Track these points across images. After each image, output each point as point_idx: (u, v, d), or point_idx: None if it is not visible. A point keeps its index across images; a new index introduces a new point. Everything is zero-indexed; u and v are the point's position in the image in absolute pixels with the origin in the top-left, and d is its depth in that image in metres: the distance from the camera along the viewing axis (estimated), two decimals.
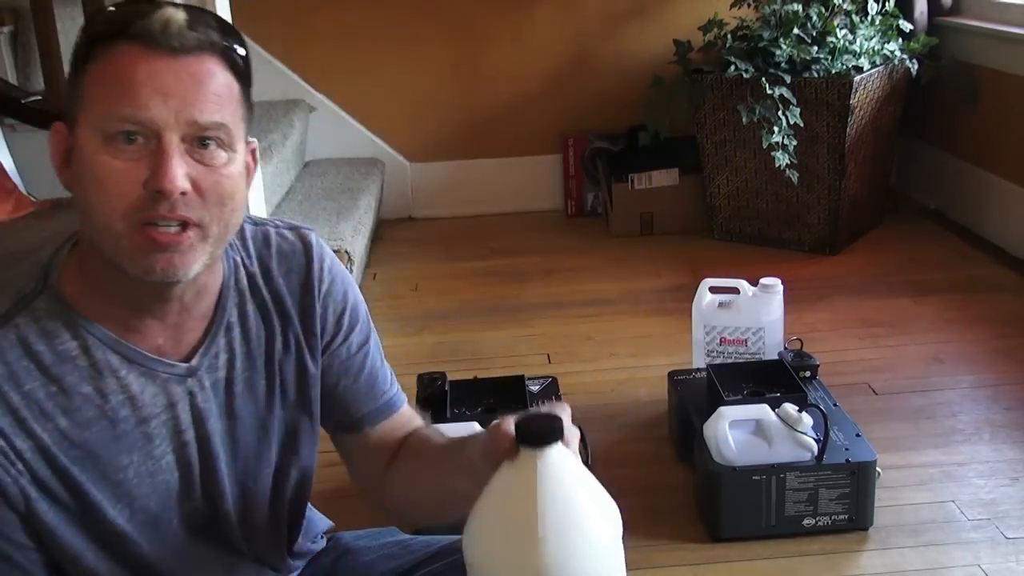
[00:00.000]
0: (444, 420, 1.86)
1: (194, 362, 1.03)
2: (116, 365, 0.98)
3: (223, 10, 2.51)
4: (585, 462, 2.00)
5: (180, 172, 0.90)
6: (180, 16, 0.91)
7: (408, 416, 1.22)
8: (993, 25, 3.13)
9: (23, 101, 2.43)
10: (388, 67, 3.63)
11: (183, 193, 0.91)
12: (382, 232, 3.58)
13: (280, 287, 1.10)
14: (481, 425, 1.79)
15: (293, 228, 1.14)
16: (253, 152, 1.02)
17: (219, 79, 0.93)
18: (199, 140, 0.92)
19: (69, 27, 2.85)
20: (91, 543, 0.98)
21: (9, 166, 2.51)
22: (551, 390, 2.08)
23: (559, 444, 0.88)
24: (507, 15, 3.62)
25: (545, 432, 0.87)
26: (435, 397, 1.94)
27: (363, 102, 3.67)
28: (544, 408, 0.94)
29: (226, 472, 1.07)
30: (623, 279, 3.07)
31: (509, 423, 0.90)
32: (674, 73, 3.27)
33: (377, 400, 1.18)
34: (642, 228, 3.45)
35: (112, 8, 0.94)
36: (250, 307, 1.08)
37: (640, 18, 3.63)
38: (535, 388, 2.08)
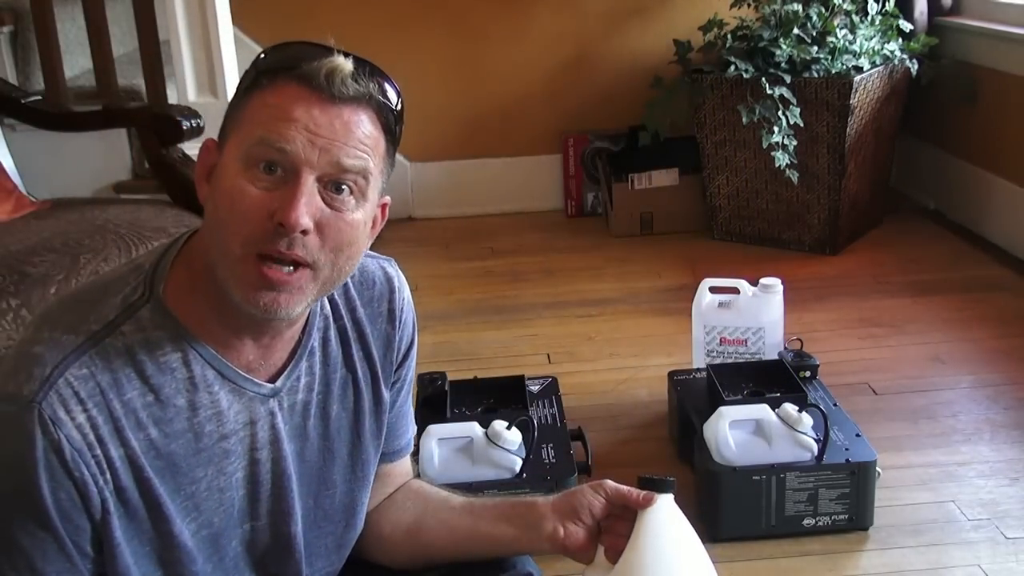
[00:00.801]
0: (444, 420, 1.86)
1: (278, 383, 1.05)
2: (211, 380, 1.00)
3: (223, 10, 2.52)
4: (585, 462, 2.01)
5: (306, 210, 0.93)
6: (347, 67, 0.95)
7: (408, 464, 1.27)
8: (993, 25, 3.13)
9: (23, 101, 2.44)
10: (388, 67, 3.59)
11: (304, 232, 0.93)
12: (382, 232, 3.54)
13: (361, 315, 1.13)
14: (481, 425, 1.80)
15: (373, 257, 1.18)
16: (384, 208, 1.07)
17: (368, 129, 0.96)
18: (335, 184, 0.95)
19: (69, 27, 2.85)
20: (144, 560, 0.99)
21: (9, 166, 2.51)
22: (551, 390, 2.09)
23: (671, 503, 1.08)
24: (507, 15, 3.62)
25: (668, 481, 1.08)
26: (435, 397, 1.94)
27: None
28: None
29: (297, 493, 1.09)
30: (623, 279, 3.08)
31: (610, 484, 1.11)
32: (674, 73, 3.28)
33: (400, 440, 1.22)
34: (642, 228, 3.45)
35: (287, 44, 0.98)
36: (332, 332, 1.10)
37: (640, 18, 3.63)
38: (535, 388, 2.08)
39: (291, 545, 1.10)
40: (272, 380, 1.05)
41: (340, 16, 3.56)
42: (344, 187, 0.95)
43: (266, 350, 1.04)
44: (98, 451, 0.93)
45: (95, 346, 0.94)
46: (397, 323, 1.15)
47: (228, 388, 1.01)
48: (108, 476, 0.94)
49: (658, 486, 1.06)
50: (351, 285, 1.13)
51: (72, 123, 2.42)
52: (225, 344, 1.00)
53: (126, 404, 0.95)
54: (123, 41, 2.96)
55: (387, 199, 1.06)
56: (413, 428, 1.26)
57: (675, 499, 1.07)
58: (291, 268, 0.95)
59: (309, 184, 0.93)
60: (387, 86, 1.00)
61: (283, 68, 0.95)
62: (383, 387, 1.14)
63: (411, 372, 1.20)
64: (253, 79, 0.97)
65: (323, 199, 0.95)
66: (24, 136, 2.68)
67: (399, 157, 3.88)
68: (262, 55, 0.99)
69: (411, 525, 1.20)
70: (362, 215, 0.98)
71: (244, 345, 1.02)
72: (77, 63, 2.92)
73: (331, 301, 1.11)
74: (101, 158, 2.93)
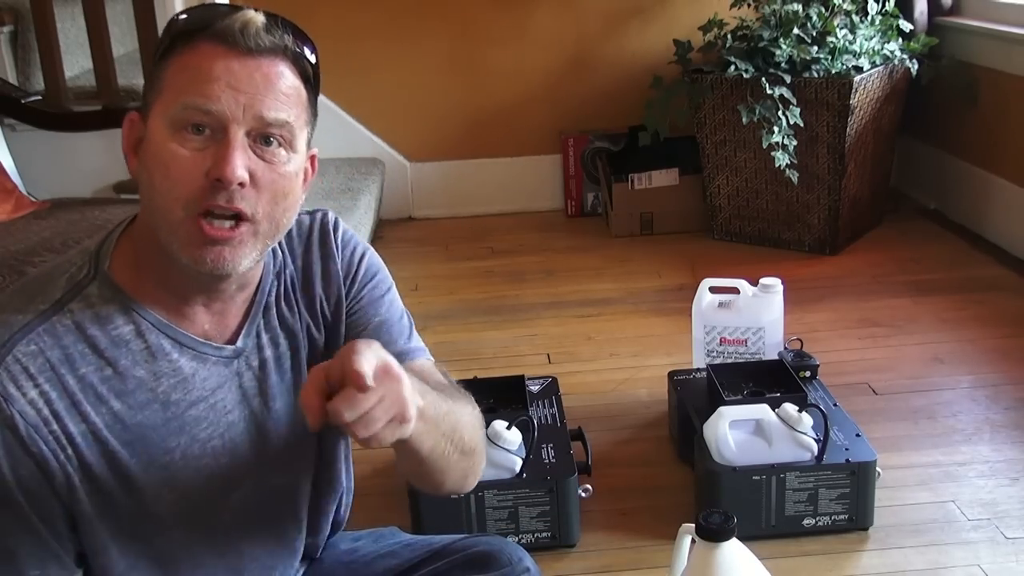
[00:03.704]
0: None
1: (239, 343, 1.07)
2: (168, 348, 1.01)
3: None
4: (586, 462, 2.01)
5: (240, 163, 0.94)
6: (259, 19, 0.96)
7: (428, 373, 1.21)
8: (993, 25, 3.13)
9: (23, 101, 2.44)
10: (388, 66, 3.63)
11: (240, 184, 0.95)
12: (382, 232, 3.57)
13: (307, 263, 1.14)
14: None
15: (308, 213, 1.19)
16: (313, 159, 1.07)
17: (288, 81, 0.98)
18: (263, 137, 0.97)
19: (69, 27, 2.85)
20: (119, 534, 0.99)
21: (9, 166, 2.51)
22: (551, 390, 2.09)
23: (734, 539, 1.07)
24: (507, 15, 3.62)
25: (727, 529, 1.07)
26: None
27: (363, 102, 3.67)
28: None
29: (279, 449, 1.10)
30: (623, 279, 3.07)
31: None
32: (674, 73, 3.27)
33: (392, 346, 1.19)
34: (642, 228, 3.45)
35: (198, 7, 0.99)
36: (284, 286, 1.12)
37: (640, 18, 3.63)
38: (535, 388, 2.08)
39: (283, 500, 1.11)
40: (231, 342, 1.06)
41: (340, 16, 3.56)
42: (272, 140, 0.97)
43: (219, 317, 1.05)
44: (55, 426, 0.93)
45: (43, 323, 0.95)
46: (337, 257, 1.16)
47: (189, 355, 1.02)
48: (70, 452, 0.94)
49: (715, 535, 1.07)
50: (292, 237, 1.14)
51: (72, 123, 2.43)
52: (177, 313, 1.01)
53: (82, 379, 0.95)
54: (123, 41, 2.96)
55: (315, 151, 1.07)
56: (413, 339, 1.22)
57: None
58: (232, 223, 0.96)
59: (239, 138, 0.95)
60: (301, 37, 1.01)
61: (197, 29, 0.96)
62: (338, 325, 1.15)
63: (378, 291, 1.19)
64: (168, 44, 0.97)
65: (254, 152, 0.96)
66: (24, 136, 2.68)
67: (399, 157, 3.91)
68: (175, 19, 0.99)
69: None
70: (293, 166, 1.00)
71: (196, 313, 1.03)
72: (77, 63, 2.92)
73: (273, 253, 1.12)
74: (101, 158, 2.93)
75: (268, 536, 1.12)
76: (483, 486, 1.73)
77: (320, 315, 1.14)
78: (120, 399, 0.97)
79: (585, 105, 3.69)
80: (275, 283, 1.11)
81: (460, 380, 2.01)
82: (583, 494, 1.78)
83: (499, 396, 2.01)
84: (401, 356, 1.19)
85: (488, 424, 1.79)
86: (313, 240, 1.15)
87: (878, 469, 1.78)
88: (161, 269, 0.99)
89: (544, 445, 1.85)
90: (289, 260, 1.13)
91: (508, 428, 1.78)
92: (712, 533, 1.06)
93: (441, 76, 3.67)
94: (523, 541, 1.74)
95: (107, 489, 0.97)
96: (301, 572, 1.23)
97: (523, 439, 1.80)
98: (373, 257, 1.21)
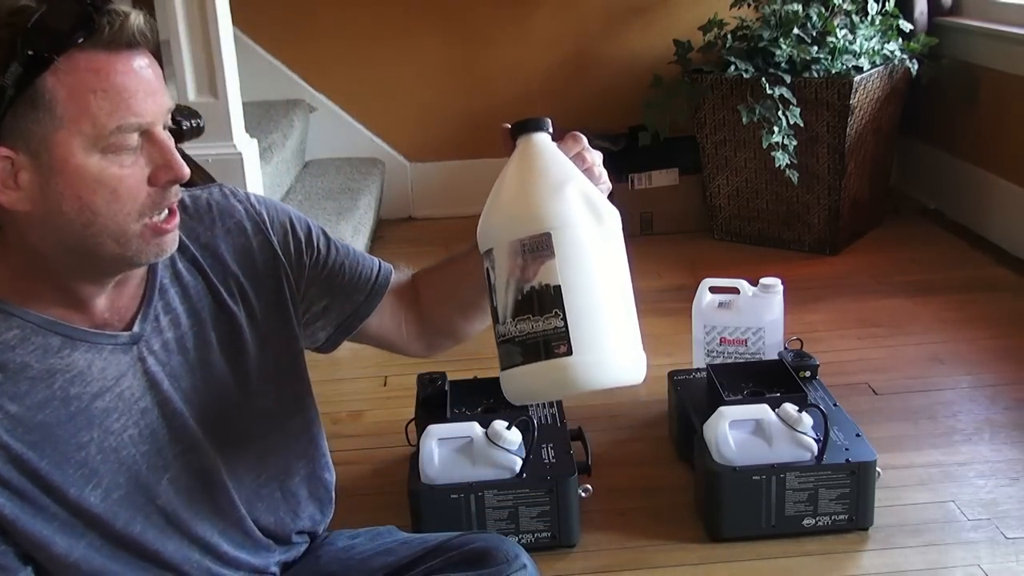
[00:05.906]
0: (444, 420, 1.86)
1: (136, 328, 1.05)
2: (58, 345, 0.99)
3: (223, 10, 2.51)
4: (586, 462, 2.01)
5: (180, 158, 0.95)
6: (137, 18, 0.93)
7: (401, 274, 1.31)
8: (993, 25, 3.13)
9: None
10: (388, 67, 3.63)
11: None
12: (382, 232, 3.57)
13: (208, 240, 1.12)
14: (481, 425, 1.80)
15: (202, 188, 1.18)
16: None
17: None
18: (165, 125, 0.97)
19: None
20: (58, 530, 0.99)
21: None
22: None
23: (543, 134, 1.12)
24: (507, 15, 3.62)
25: (528, 123, 1.12)
26: (435, 397, 1.94)
27: (363, 102, 3.67)
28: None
29: (199, 428, 1.08)
30: None
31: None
32: (674, 73, 3.27)
33: (367, 281, 1.24)
34: (642, 228, 3.45)
35: (36, 11, 0.89)
36: (182, 266, 1.10)
37: (640, 18, 3.63)
38: None
39: (214, 479, 1.10)
40: (128, 328, 1.04)
41: (341, 17, 3.56)
42: (169, 124, 0.98)
43: (114, 302, 1.04)
44: None
45: None
46: (249, 232, 1.15)
47: (82, 348, 1.00)
48: None
49: (528, 126, 1.13)
50: (188, 217, 1.13)
51: None
52: (63, 306, 1.00)
53: None
54: None
55: None
56: (371, 261, 1.27)
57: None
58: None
59: (166, 135, 0.96)
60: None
61: (66, 37, 0.89)
62: (255, 299, 1.14)
63: (321, 240, 1.21)
64: (28, 61, 0.88)
65: None
66: None
67: (399, 156, 3.91)
68: (26, 32, 0.89)
69: (446, 309, 1.30)
70: None
71: (87, 305, 1.02)
72: None
73: None
74: None
75: (213, 516, 1.11)
76: (483, 486, 1.73)
77: (236, 289, 1.13)
78: (15, 402, 0.96)
79: (585, 105, 3.68)
80: (171, 263, 1.09)
81: (460, 380, 2.03)
82: (583, 494, 1.78)
83: (499, 396, 1.99)
84: (386, 274, 1.26)
85: (488, 424, 1.79)
86: (215, 216, 1.14)
87: (878, 469, 1.78)
88: (42, 269, 0.98)
89: (544, 445, 1.84)
90: (189, 241, 1.11)
91: (508, 428, 1.78)
92: (525, 126, 1.13)
93: (441, 76, 3.67)
94: (523, 541, 1.73)
95: (25, 493, 0.97)
96: (280, 555, 1.22)
97: (523, 439, 1.80)
98: (291, 210, 1.21)
